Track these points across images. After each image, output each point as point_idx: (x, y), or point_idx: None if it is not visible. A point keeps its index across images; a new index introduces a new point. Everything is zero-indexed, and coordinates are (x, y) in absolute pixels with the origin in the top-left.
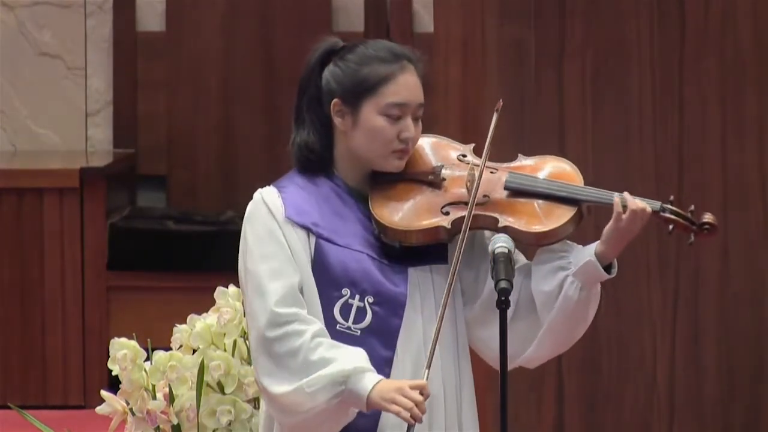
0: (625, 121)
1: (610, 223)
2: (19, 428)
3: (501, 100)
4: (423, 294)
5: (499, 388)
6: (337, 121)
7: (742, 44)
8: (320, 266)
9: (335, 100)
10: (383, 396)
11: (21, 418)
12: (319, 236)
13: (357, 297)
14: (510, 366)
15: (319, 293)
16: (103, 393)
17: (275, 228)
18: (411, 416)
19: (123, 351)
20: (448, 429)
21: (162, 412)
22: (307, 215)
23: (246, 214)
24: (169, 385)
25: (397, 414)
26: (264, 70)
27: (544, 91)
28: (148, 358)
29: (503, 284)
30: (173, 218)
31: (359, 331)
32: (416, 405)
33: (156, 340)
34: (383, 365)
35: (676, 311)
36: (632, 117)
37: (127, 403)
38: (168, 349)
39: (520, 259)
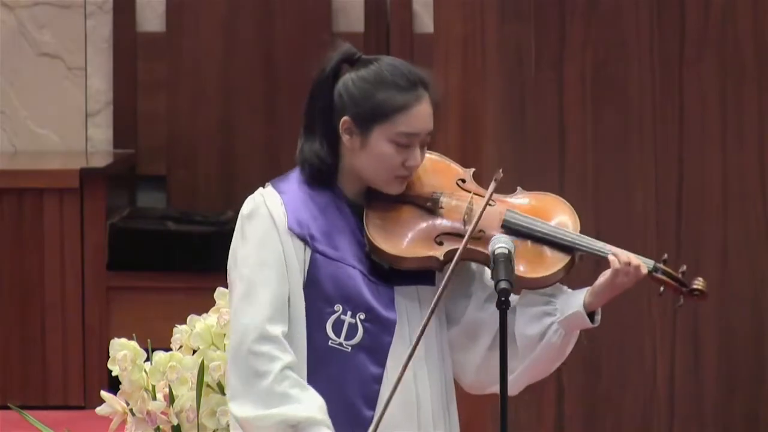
0: (625, 121)
1: (606, 278)
2: (19, 428)
3: (501, 170)
4: (410, 313)
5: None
6: (344, 138)
7: (742, 44)
8: (314, 281)
9: (345, 117)
10: None
11: (21, 418)
12: (314, 250)
13: (349, 313)
14: (484, 392)
15: (312, 308)
16: (103, 393)
17: (275, 236)
18: None
19: (123, 351)
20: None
21: (162, 413)
22: (306, 226)
23: (245, 212)
24: (169, 385)
25: None
26: (264, 70)
27: (544, 91)
28: (148, 359)
29: (503, 284)
30: (173, 218)
31: (350, 348)
32: None
33: (156, 340)
34: (372, 382)
35: (676, 311)
36: (632, 117)
37: (127, 404)
38: (168, 349)
39: None
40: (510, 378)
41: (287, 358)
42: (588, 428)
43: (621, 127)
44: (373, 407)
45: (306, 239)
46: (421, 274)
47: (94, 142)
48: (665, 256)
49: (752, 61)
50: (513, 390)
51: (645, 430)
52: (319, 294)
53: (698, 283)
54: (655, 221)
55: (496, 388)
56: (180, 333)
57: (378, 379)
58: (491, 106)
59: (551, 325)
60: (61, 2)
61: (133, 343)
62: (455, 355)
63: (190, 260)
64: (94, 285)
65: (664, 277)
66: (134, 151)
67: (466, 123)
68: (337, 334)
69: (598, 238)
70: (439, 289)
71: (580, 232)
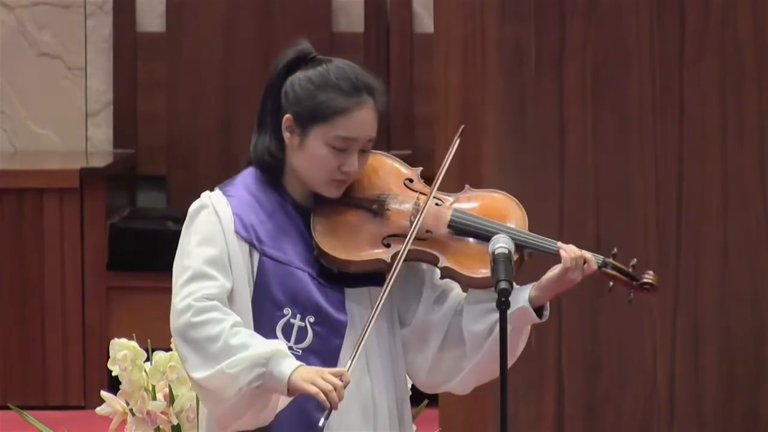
0: (625, 121)
1: (556, 273)
2: (19, 428)
3: (463, 126)
4: (361, 315)
5: (498, 387)
6: (285, 136)
7: (742, 44)
8: (262, 284)
9: (287, 115)
10: (303, 377)
11: (21, 418)
12: (262, 253)
13: (298, 317)
14: (438, 390)
15: (261, 311)
16: (103, 393)
17: (221, 235)
18: (328, 400)
19: (123, 351)
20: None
21: (162, 413)
22: (252, 230)
23: (192, 210)
24: (169, 385)
25: (316, 395)
26: (264, 70)
27: (544, 91)
28: (148, 359)
29: (503, 284)
30: (173, 218)
31: (300, 351)
32: (335, 389)
33: (156, 340)
34: None
35: (676, 311)
36: (632, 117)
37: (127, 404)
38: (168, 349)
39: (454, 289)
40: (458, 377)
41: (233, 318)
42: (588, 428)
43: (621, 127)
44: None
45: (253, 243)
46: (372, 276)
47: (94, 142)
48: (614, 250)
49: (752, 61)
50: (462, 389)
51: (645, 430)
52: (267, 297)
53: (648, 277)
54: (655, 221)
55: (447, 387)
56: None
57: None
58: (491, 106)
59: (498, 321)
60: (61, 2)
61: (133, 343)
62: (408, 356)
63: None
64: (94, 285)
65: (614, 272)
66: (134, 151)
67: (466, 123)
68: (287, 337)
69: (598, 238)
70: (383, 291)
71: (528, 228)
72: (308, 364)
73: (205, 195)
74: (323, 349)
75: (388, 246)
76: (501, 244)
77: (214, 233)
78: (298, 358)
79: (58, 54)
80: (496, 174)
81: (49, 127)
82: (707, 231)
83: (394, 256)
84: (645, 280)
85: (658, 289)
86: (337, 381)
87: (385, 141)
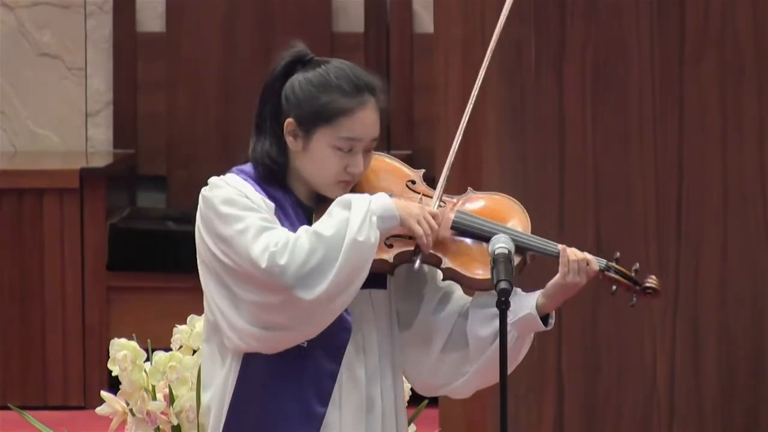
0: (625, 121)
1: (557, 277)
2: (19, 428)
3: None
4: (363, 317)
5: (498, 388)
6: (288, 140)
7: (742, 44)
8: None
9: (289, 119)
10: (410, 213)
11: (21, 419)
12: None
13: None
14: (437, 393)
15: None
16: (103, 394)
17: (255, 205)
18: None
19: (123, 351)
20: None
21: (162, 413)
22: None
23: (207, 194)
24: (169, 385)
25: (420, 239)
26: (264, 70)
27: (544, 91)
28: (148, 359)
29: (503, 284)
30: (173, 218)
31: (306, 343)
32: (432, 232)
33: (156, 340)
34: (327, 378)
35: (676, 311)
36: (632, 117)
37: (127, 404)
38: (168, 349)
39: (457, 291)
40: (460, 380)
41: (303, 227)
42: (588, 428)
43: (621, 127)
44: (325, 404)
45: None
46: (373, 278)
47: (94, 142)
48: (617, 254)
49: (752, 61)
50: (464, 393)
51: (645, 430)
52: None
53: (651, 281)
54: (655, 221)
55: (448, 390)
56: (180, 333)
57: (333, 376)
58: (491, 106)
59: None
60: (61, 2)
61: (133, 343)
62: (408, 358)
63: (190, 260)
64: (94, 285)
65: (616, 276)
66: (134, 151)
67: (466, 123)
68: None
69: (598, 238)
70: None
71: (531, 231)
72: (314, 357)
73: (217, 179)
74: (330, 343)
75: (390, 246)
76: (501, 244)
77: (246, 202)
78: (303, 349)
79: (58, 54)
80: (496, 174)
81: (49, 127)
82: (707, 231)
83: (396, 257)
84: (648, 284)
85: (661, 294)
86: (435, 225)
87: (385, 141)
